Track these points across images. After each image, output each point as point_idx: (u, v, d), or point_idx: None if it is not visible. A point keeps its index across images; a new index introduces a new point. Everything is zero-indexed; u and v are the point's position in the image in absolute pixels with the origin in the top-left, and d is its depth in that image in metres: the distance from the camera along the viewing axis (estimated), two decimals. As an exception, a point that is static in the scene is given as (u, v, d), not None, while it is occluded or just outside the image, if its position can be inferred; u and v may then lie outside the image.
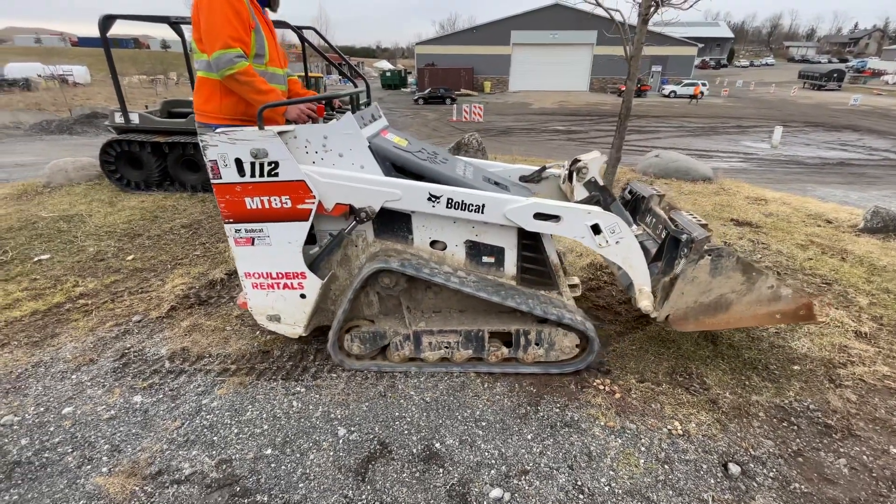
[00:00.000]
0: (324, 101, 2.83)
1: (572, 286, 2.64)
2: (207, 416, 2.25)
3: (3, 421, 2.24)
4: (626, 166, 7.47)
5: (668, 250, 2.34)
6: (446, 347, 2.51)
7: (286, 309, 2.50)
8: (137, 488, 1.87)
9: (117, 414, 2.28)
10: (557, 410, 2.28)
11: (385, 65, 57.76)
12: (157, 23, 5.52)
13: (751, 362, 2.67)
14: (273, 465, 1.98)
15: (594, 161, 2.70)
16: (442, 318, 2.56)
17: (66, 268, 3.90)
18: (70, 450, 2.07)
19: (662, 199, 2.76)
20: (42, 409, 2.32)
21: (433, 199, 2.24)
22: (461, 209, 2.25)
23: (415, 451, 2.06)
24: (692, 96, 29.93)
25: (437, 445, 2.09)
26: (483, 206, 2.24)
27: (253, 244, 2.34)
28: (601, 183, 2.73)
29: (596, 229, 2.24)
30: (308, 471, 1.96)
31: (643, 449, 2.06)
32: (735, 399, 2.37)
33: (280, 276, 2.42)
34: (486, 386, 2.47)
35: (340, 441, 2.11)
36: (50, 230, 4.74)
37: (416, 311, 2.58)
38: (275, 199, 2.23)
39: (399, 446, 2.08)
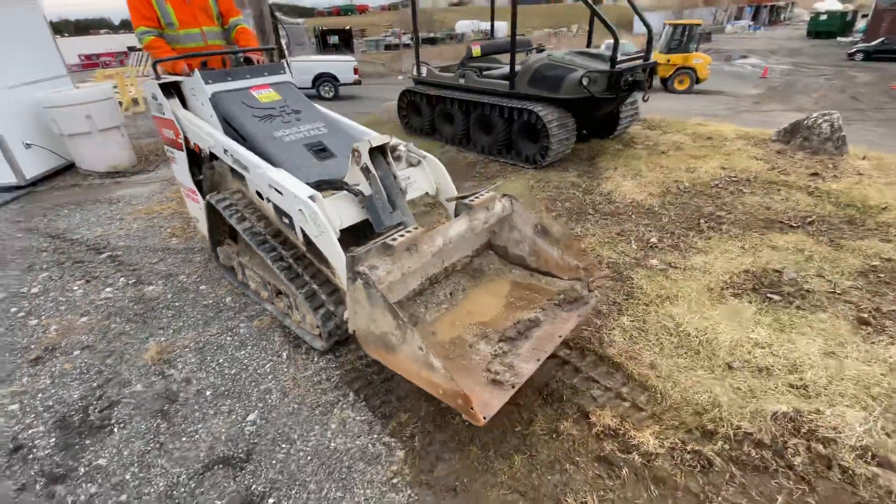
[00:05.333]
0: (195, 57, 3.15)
1: None
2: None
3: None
4: None
5: None
6: (255, 283, 2.91)
7: (198, 215, 3.23)
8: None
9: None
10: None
11: (831, 5, 41.95)
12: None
13: None
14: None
15: (363, 145, 2.28)
16: (259, 260, 2.71)
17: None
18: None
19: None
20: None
21: (226, 151, 2.54)
22: (239, 166, 2.48)
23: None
24: None
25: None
26: (248, 166, 2.42)
27: (176, 162, 3.19)
28: (372, 171, 2.30)
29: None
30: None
31: None
32: None
33: (188, 190, 3.24)
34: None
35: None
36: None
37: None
38: (168, 131, 3.02)
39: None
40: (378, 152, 2.31)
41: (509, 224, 2.52)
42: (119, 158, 6.05)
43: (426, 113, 6.53)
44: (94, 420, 2.13)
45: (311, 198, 2.11)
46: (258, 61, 3.31)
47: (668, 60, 13.71)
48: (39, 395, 2.29)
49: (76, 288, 3.27)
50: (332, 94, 12.91)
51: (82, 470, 1.89)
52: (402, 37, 35.14)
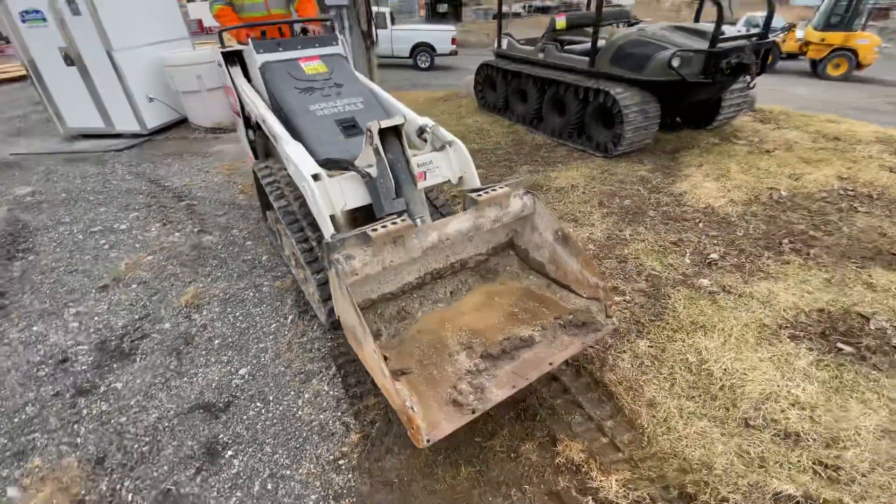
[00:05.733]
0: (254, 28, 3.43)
1: None
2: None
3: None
4: None
5: None
6: (289, 249, 2.92)
7: None
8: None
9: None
10: None
11: None
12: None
13: None
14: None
15: (374, 126, 2.13)
16: None
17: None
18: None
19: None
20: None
21: (262, 121, 2.64)
22: (270, 136, 2.57)
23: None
24: None
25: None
26: (276, 137, 2.47)
27: (238, 127, 3.39)
28: (381, 153, 2.15)
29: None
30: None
31: None
32: None
33: (247, 154, 3.54)
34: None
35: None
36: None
37: None
38: (231, 98, 3.18)
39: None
40: (392, 134, 2.24)
41: (531, 225, 2.33)
42: (221, 116, 6.72)
43: (501, 89, 6.23)
44: (126, 347, 2.48)
45: (315, 176, 2.13)
46: (314, 32, 3.39)
47: (823, 39, 11.39)
48: (95, 318, 2.71)
49: (153, 230, 3.77)
50: (427, 64, 12.92)
51: (102, 389, 2.21)
52: (514, 5, 33.57)
